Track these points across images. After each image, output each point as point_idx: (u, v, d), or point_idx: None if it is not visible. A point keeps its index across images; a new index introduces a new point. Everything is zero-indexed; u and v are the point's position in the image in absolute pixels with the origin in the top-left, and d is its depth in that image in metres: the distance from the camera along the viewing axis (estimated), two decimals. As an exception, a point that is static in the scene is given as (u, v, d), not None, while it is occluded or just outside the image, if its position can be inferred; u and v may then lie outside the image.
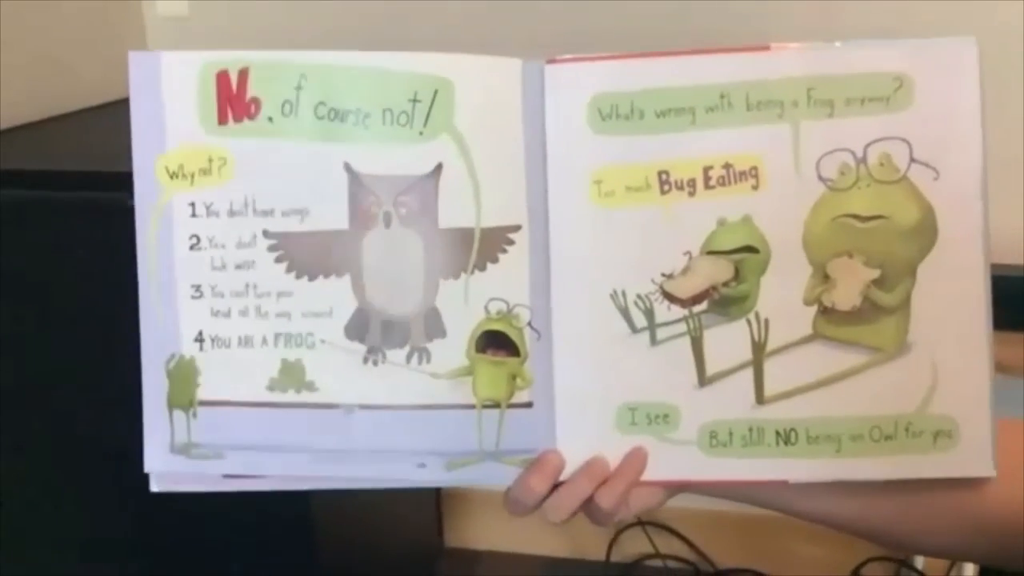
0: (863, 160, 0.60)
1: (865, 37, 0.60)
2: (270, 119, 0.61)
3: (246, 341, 0.63)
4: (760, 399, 0.62)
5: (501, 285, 0.62)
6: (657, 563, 1.65)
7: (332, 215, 0.61)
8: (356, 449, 0.63)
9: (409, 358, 0.62)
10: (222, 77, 0.61)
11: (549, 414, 0.63)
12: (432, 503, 1.71)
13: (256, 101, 0.61)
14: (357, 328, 0.63)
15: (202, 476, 0.64)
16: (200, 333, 0.63)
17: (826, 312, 0.61)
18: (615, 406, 0.63)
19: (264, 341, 0.63)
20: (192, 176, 0.62)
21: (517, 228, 0.62)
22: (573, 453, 0.63)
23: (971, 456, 0.61)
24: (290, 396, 0.63)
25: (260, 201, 0.62)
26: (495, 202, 0.61)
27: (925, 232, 0.60)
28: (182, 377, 0.63)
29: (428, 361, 0.62)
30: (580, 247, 0.62)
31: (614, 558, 1.66)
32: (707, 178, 0.61)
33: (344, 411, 0.63)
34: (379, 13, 1.43)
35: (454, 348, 0.62)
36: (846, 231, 0.60)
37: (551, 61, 0.61)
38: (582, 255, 0.62)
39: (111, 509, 1.13)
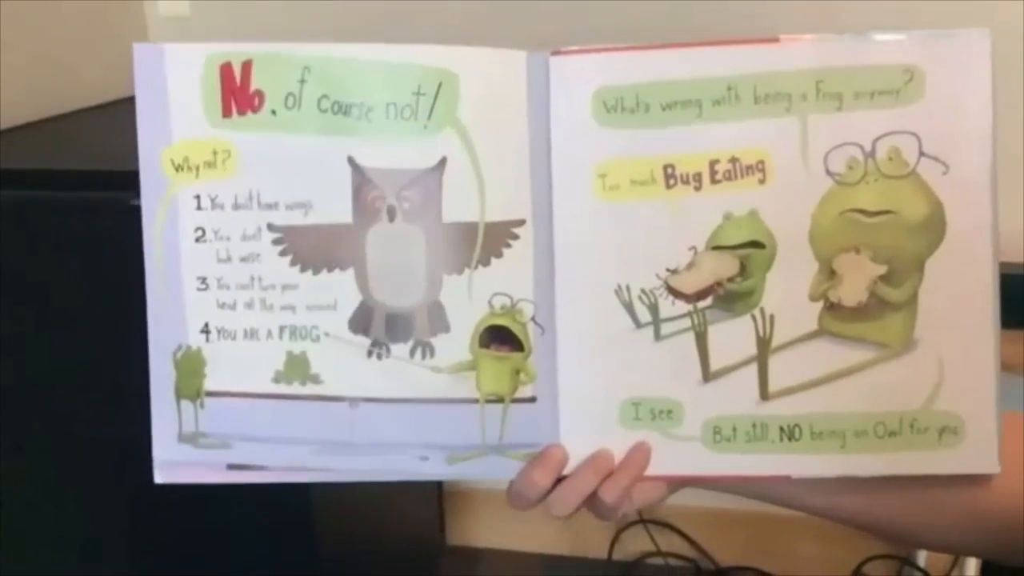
0: (872, 154, 0.59)
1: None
2: (273, 112, 0.61)
3: (251, 333, 0.63)
4: (764, 395, 0.62)
5: (505, 280, 0.62)
6: (659, 561, 1.65)
7: (336, 209, 0.61)
8: (359, 442, 0.63)
9: (413, 352, 0.62)
10: (225, 69, 0.61)
11: (553, 409, 0.62)
12: (434, 500, 1.71)
13: (260, 94, 0.61)
14: (361, 322, 0.62)
15: (207, 467, 0.65)
16: (206, 325, 0.63)
17: (832, 308, 0.61)
18: (619, 401, 0.62)
19: (269, 334, 0.63)
20: (197, 169, 0.62)
21: (521, 222, 0.61)
22: (576, 448, 0.62)
23: (976, 453, 0.60)
24: (295, 388, 0.63)
25: (264, 194, 0.62)
26: (499, 196, 0.61)
27: (933, 227, 0.59)
28: (189, 368, 0.64)
29: (431, 355, 0.62)
30: (584, 241, 0.61)
31: (616, 556, 1.66)
32: (713, 172, 0.60)
33: (348, 404, 0.63)
34: (380, 12, 1.43)
35: (458, 343, 0.62)
36: (853, 226, 0.60)
37: (556, 53, 0.60)
38: (586, 250, 0.61)
39: (111, 509, 1.14)
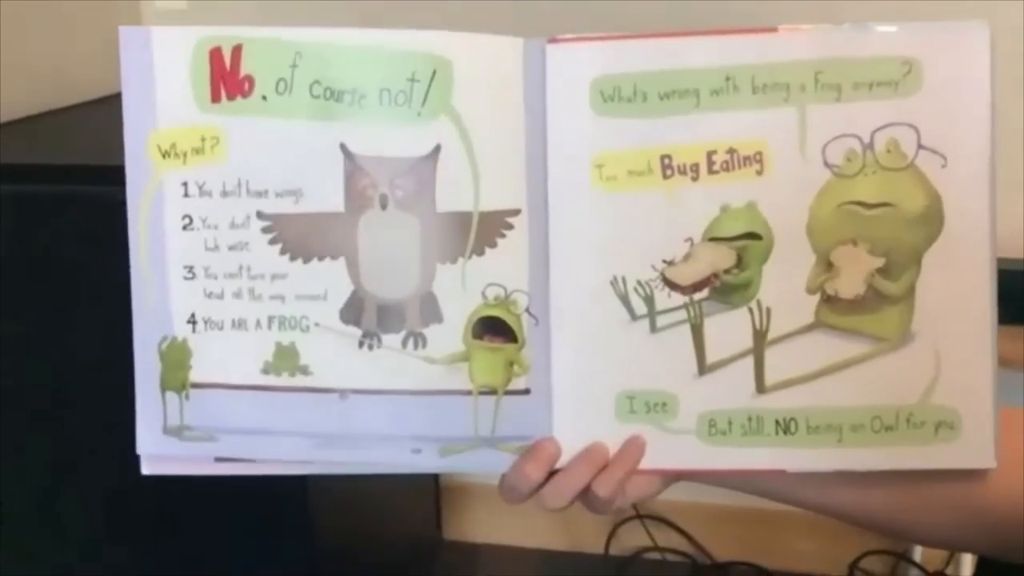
0: (870, 146, 0.59)
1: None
2: (264, 98, 0.60)
3: (239, 323, 0.62)
4: (760, 388, 0.61)
5: (499, 270, 0.61)
6: (655, 556, 1.65)
7: (327, 197, 0.60)
8: (350, 434, 0.62)
9: (405, 343, 0.62)
10: (215, 54, 0.60)
11: (546, 401, 0.62)
12: (431, 496, 1.71)
13: (250, 79, 0.59)
14: (352, 312, 0.62)
15: (194, 459, 0.64)
16: (193, 315, 0.62)
17: (829, 301, 0.61)
18: (613, 394, 0.62)
19: (258, 324, 0.62)
20: (185, 155, 0.61)
21: (516, 212, 0.61)
22: (570, 441, 0.62)
23: (973, 448, 0.60)
24: (284, 380, 0.62)
25: (254, 181, 0.61)
26: (494, 185, 0.60)
27: (931, 220, 0.59)
28: (174, 359, 0.62)
29: (424, 346, 0.62)
30: (580, 232, 0.61)
31: (613, 551, 1.66)
32: (711, 163, 0.60)
33: (338, 395, 0.62)
34: (380, 12, 1.42)
35: (450, 334, 0.61)
36: (851, 218, 0.59)
37: (553, 40, 0.60)
38: (582, 240, 0.61)
39: (111, 509, 1.13)
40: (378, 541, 1.48)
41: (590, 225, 0.61)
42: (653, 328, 0.61)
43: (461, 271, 0.61)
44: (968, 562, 1.41)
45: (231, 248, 0.61)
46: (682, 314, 0.61)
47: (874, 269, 0.60)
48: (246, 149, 0.60)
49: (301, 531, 1.10)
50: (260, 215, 0.61)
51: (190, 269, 0.62)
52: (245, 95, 0.60)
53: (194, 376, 0.63)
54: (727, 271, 0.61)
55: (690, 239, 0.60)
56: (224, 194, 0.61)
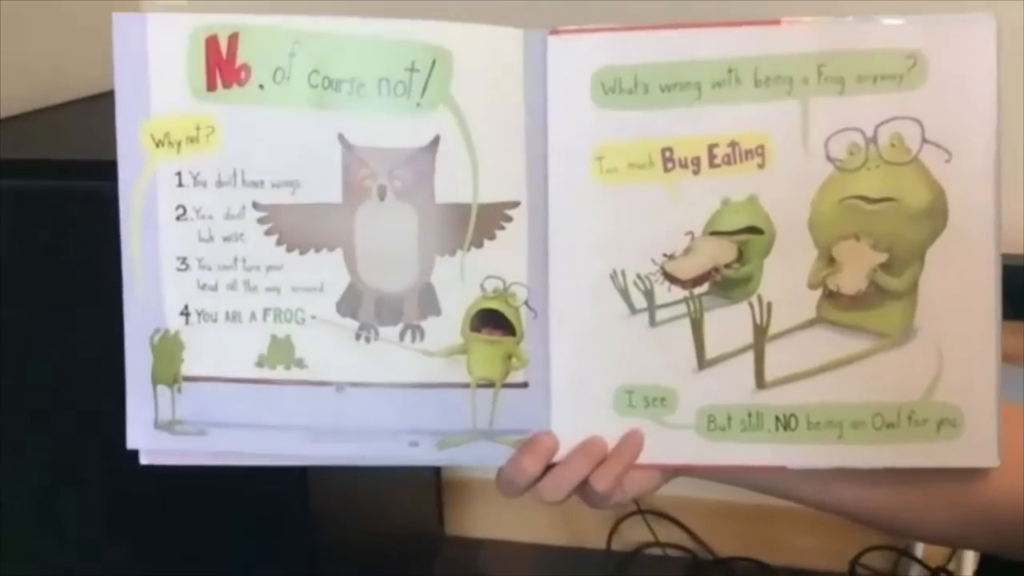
0: (873, 140, 0.58)
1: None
2: (261, 86, 0.59)
3: (234, 316, 0.62)
4: (760, 383, 0.61)
5: (498, 263, 0.60)
6: (657, 551, 1.64)
7: (325, 187, 0.60)
8: (346, 427, 0.62)
9: (402, 335, 0.61)
10: (211, 41, 0.59)
11: (544, 395, 0.61)
12: (433, 491, 1.71)
13: (246, 67, 0.59)
14: (349, 304, 0.61)
15: (184, 454, 0.63)
16: (186, 307, 0.62)
17: (831, 296, 0.60)
18: (612, 388, 0.61)
19: (253, 316, 0.61)
20: (179, 144, 0.60)
21: (515, 204, 0.60)
22: (568, 435, 0.61)
23: (975, 446, 0.59)
24: (279, 373, 0.62)
25: (250, 172, 0.60)
26: (493, 177, 0.60)
27: (935, 216, 0.58)
28: (166, 352, 0.62)
29: (422, 339, 0.61)
30: (580, 225, 0.60)
31: (614, 546, 1.65)
32: (712, 156, 0.59)
33: (334, 389, 0.61)
34: (380, 12, 1.41)
35: (448, 326, 0.61)
36: (854, 213, 0.59)
37: (554, 32, 0.59)
38: (581, 233, 0.60)
39: (111, 509, 1.13)
40: (379, 537, 1.47)
41: (590, 218, 0.60)
42: (653, 322, 0.61)
43: (460, 263, 0.60)
44: (970, 558, 1.41)
45: (226, 239, 0.61)
46: (682, 308, 0.61)
47: (876, 264, 0.59)
48: (242, 139, 0.60)
49: (302, 528, 1.09)
50: (256, 206, 0.60)
51: (183, 260, 0.61)
52: (242, 84, 0.59)
53: (187, 369, 0.62)
54: (728, 265, 0.60)
55: (691, 233, 0.60)
56: (219, 184, 0.60)
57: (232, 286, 0.61)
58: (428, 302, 0.61)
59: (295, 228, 0.60)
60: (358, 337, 0.61)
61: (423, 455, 0.62)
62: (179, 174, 0.60)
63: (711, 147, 0.59)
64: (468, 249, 0.60)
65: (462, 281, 0.60)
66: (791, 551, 1.58)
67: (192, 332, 0.62)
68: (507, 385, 0.61)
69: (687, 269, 0.60)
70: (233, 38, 0.59)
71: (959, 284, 0.59)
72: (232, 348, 0.62)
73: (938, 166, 0.58)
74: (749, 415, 0.61)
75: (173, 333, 0.62)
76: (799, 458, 0.61)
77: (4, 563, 1.13)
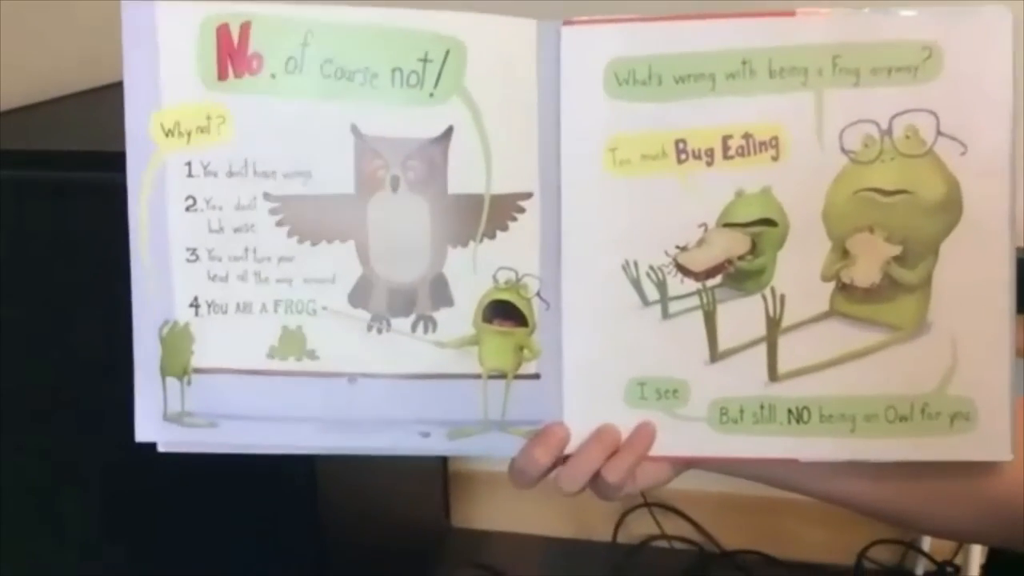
0: (888, 132, 0.58)
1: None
2: (273, 76, 0.58)
3: (244, 307, 0.61)
4: (773, 376, 0.61)
5: (510, 254, 0.60)
6: (663, 544, 1.64)
7: (337, 178, 0.59)
8: (358, 419, 0.61)
9: (414, 327, 0.61)
10: (223, 30, 0.58)
11: (556, 386, 0.61)
12: (439, 483, 1.71)
13: (258, 56, 0.58)
14: (361, 295, 0.61)
15: (199, 443, 0.62)
16: (196, 298, 0.61)
17: (844, 289, 0.60)
18: (624, 380, 0.61)
19: (263, 308, 0.61)
20: (189, 134, 0.59)
21: (528, 195, 0.60)
22: (580, 426, 0.61)
23: (989, 439, 0.59)
24: (290, 364, 0.61)
25: (261, 162, 0.60)
26: (506, 168, 0.59)
27: (950, 208, 0.58)
28: (176, 344, 0.61)
29: (434, 330, 0.61)
30: (592, 216, 0.60)
31: (620, 539, 1.65)
32: (726, 147, 0.59)
33: (346, 380, 0.61)
34: (393, 2, 1.41)
35: (461, 317, 0.61)
36: (868, 206, 0.59)
37: (568, 22, 0.59)
38: (594, 225, 0.60)
39: (111, 509, 1.13)
40: (386, 528, 1.47)
41: (603, 209, 0.60)
42: (665, 314, 0.61)
43: (472, 254, 0.60)
44: (977, 552, 1.41)
45: (236, 230, 0.60)
46: (695, 300, 0.61)
47: (891, 257, 0.59)
48: (253, 128, 0.59)
49: (308, 520, 1.09)
50: (267, 196, 0.60)
51: (193, 251, 0.61)
52: (253, 73, 0.58)
53: (196, 361, 0.62)
54: (741, 257, 0.60)
55: (704, 224, 0.60)
56: (230, 174, 0.60)
57: (243, 277, 0.61)
58: (440, 293, 0.61)
59: (307, 219, 0.60)
60: (370, 328, 0.61)
61: (435, 446, 0.62)
62: (189, 164, 0.60)
63: (725, 139, 0.59)
64: (480, 240, 0.60)
65: (474, 272, 0.60)
66: (797, 544, 1.58)
67: (202, 324, 0.61)
68: (519, 376, 0.61)
69: (700, 261, 0.60)
70: (245, 27, 0.58)
71: (973, 277, 0.59)
72: (243, 340, 0.61)
73: (953, 159, 0.58)
74: (761, 408, 0.61)
75: (183, 325, 0.61)
76: (811, 451, 0.61)
77: (4, 563, 1.13)
